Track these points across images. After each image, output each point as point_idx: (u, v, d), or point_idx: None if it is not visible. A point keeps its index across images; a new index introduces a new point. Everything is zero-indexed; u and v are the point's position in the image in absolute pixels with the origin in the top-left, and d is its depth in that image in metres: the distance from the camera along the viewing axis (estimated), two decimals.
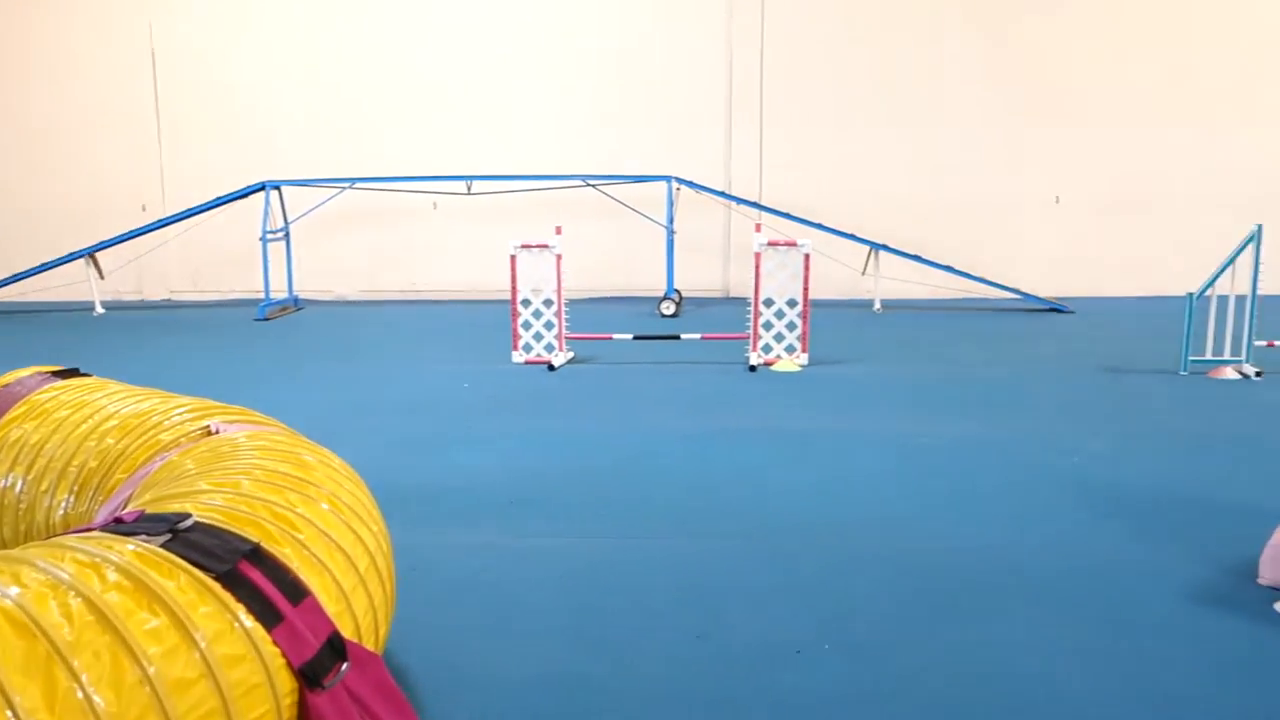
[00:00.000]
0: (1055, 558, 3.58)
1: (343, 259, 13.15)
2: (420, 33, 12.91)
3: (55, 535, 2.44)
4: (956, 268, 11.48)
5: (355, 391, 6.91)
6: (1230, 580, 3.33)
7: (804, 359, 7.67)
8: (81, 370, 3.58)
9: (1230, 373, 7.04)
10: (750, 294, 7.72)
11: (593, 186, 11.88)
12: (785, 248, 7.72)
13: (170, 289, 13.46)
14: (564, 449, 5.22)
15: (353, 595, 2.16)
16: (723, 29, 12.69)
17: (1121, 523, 3.96)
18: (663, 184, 11.56)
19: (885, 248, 11.48)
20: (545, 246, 7.80)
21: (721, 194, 12.15)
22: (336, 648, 1.99)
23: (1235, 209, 11.57)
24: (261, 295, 11.71)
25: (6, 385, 3.35)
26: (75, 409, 3.12)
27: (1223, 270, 7.07)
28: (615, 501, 4.32)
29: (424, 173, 12.03)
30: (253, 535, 2.03)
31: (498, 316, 9.43)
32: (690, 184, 11.68)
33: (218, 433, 2.80)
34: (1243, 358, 7.10)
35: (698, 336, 8.42)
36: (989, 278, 11.50)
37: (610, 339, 8.47)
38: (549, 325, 7.90)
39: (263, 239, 11.44)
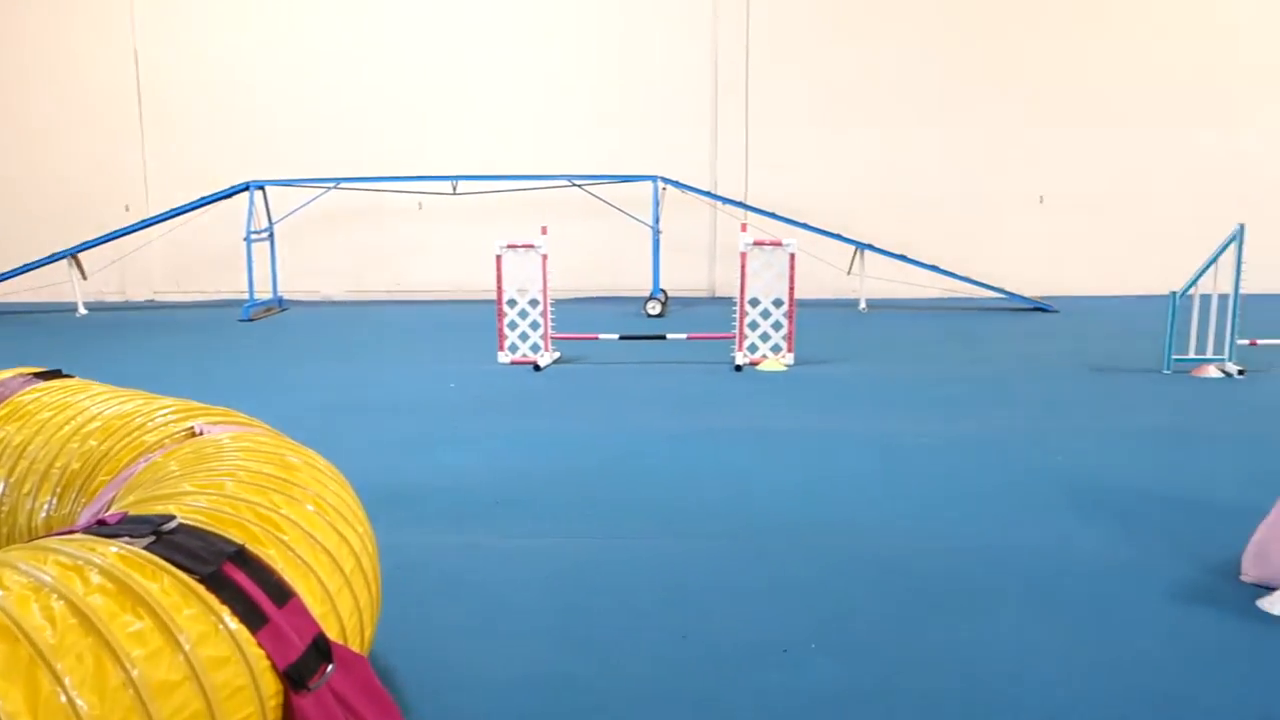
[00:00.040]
0: (1040, 556, 3.59)
1: (328, 259, 13.11)
2: (405, 33, 12.87)
3: (38, 538, 2.42)
4: (941, 267, 11.53)
5: (340, 392, 6.89)
6: (1213, 577, 3.35)
7: (789, 359, 7.69)
8: (64, 371, 3.56)
9: (1213, 371, 7.09)
10: (736, 294, 7.74)
11: (578, 186, 11.88)
12: (771, 247, 7.74)
13: (154, 289, 13.39)
14: (550, 449, 5.21)
15: (338, 597, 2.15)
16: (708, 29, 12.71)
17: (1105, 520, 3.98)
18: (648, 184, 11.56)
19: (870, 247, 11.52)
20: (531, 246, 7.79)
21: (707, 194, 12.17)
22: (322, 649, 1.98)
23: (1218, 209, 11.67)
24: (246, 296, 11.66)
25: None
26: (58, 410, 3.10)
27: (1205, 269, 7.12)
28: (601, 502, 4.32)
29: (409, 173, 12.00)
30: (237, 537, 2.02)
31: (483, 316, 9.42)
32: (676, 184, 11.69)
33: (202, 434, 2.79)
34: (1225, 356, 7.16)
35: (683, 336, 8.43)
36: (974, 277, 11.55)
37: (596, 339, 8.46)
38: (535, 325, 7.89)
39: (247, 239, 11.38)
